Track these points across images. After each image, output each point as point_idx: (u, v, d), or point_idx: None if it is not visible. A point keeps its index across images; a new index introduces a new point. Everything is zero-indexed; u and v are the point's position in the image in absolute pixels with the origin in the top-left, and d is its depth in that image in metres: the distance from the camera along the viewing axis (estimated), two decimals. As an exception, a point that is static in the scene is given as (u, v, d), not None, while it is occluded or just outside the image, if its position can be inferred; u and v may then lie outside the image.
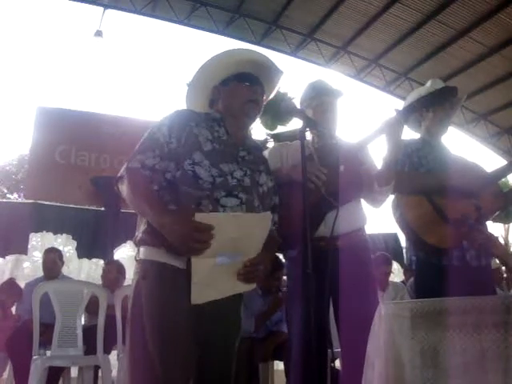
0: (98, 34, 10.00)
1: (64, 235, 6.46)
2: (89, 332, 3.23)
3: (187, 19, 10.07)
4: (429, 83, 2.33)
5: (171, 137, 1.53)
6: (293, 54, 10.97)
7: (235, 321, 1.62)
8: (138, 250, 1.56)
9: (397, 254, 6.50)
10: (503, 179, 2.68)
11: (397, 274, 6.26)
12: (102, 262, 5.93)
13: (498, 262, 3.05)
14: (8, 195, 16.42)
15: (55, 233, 6.27)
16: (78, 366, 3.41)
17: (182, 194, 1.47)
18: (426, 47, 9.78)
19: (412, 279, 3.60)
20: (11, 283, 4.28)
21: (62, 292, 3.23)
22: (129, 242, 5.87)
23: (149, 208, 1.46)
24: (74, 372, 3.67)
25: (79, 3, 9.59)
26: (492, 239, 2.18)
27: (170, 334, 1.42)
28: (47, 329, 3.18)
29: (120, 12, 10.02)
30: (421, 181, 2.20)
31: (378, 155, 2.13)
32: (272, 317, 3.47)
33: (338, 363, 2.70)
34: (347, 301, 1.94)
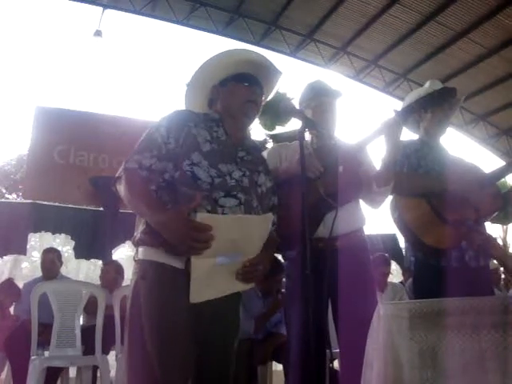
0: (98, 33, 9.99)
1: (63, 235, 6.47)
2: (87, 332, 3.23)
3: (186, 19, 10.06)
4: (427, 84, 2.33)
5: (169, 137, 1.53)
6: (292, 54, 10.96)
7: (234, 320, 1.62)
8: (137, 251, 1.56)
9: (395, 255, 6.51)
10: (502, 180, 2.68)
11: (395, 274, 6.26)
12: (100, 262, 5.92)
13: (496, 262, 3.05)
14: (7, 195, 16.40)
15: (54, 233, 6.27)
16: (77, 366, 3.41)
17: (181, 194, 1.47)
18: (426, 48, 9.78)
19: (411, 280, 3.60)
20: (9, 283, 4.27)
21: (61, 292, 3.22)
22: (127, 242, 5.87)
23: (146, 208, 1.46)
24: (72, 372, 3.67)
25: (78, 3, 9.58)
26: (491, 240, 2.18)
27: (169, 334, 1.42)
28: (46, 329, 3.17)
29: (119, 12, 10.01)
30: (420, 182, 2.20)
31: (376, 156, 2.13)
32: (271, 318, 3.47)
33: (336, 364, 2.69)
34: (346, 301, 1.94)
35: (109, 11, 9.80)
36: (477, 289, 1.92)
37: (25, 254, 6.13)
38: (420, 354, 1.26)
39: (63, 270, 4.51)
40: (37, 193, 6.33)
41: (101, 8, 9.67)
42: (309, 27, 10.13)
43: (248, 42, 10.27)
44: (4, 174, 16.87)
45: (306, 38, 10.50)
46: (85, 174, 6.20)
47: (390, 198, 2.20)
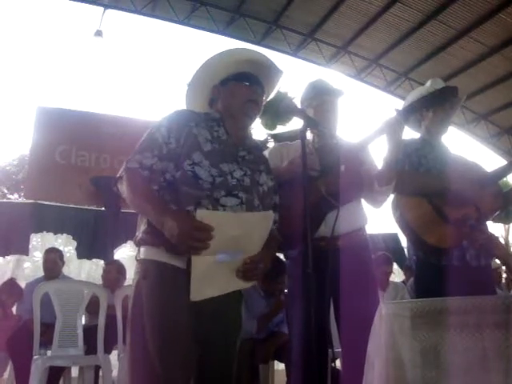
0: (98, 33, 10.00)
1: (64, 235, 6.46)
2: (89, 332, 3.23)
3: (187, 19, 10.06)
4: (429, 83, 2.33)
5: (170, 137, 1.54)
6: (293, 53, 10.95)
7: (235, 319, 1.61)
8: (139, 250, 1.56)
9: (397, 254, 6.49)
10: (503, 179, 2.67)
11: (397, 274, 6.25)
12: (102, 262, 5.92)
13: (498, 262, 3.04)
14: (8, 195, 16.40)
15: (55, 233, 6.27)
16: (79, 365, 3.42)
17: (182, 194, 1.48)
18: (427, 47, 9.77)
19: (412, 279, 3.60)
20: (12, 283, 4.29)
21: (63, 292, 3.23)
22: (129, 241, 5.86)
23: (149, 207, 1.46)
24: (74, 372, 3.68)
25: (79, 3, 9.58)
26: (493, 239, 2.18)
27: (171, 334, 1.42)
28: (48, 329, 3.18)
29: (120, 12, 10.02)
30: (421, 180, 2.19)
31: (378, 155, 2.13)
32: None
33: (338, 363, 2.69)
34: (348, 301, 1.93)
35: (109, 11, 9.81)
36: (478, 288, 1.92)
37: (27, 254, 6.12)
38: (422, 354, 1.26)
39: (65, 270, 4.52)
40: (38, 193, 6.33)
41: (101, 8, 9.68)
42: (310, 26, 10.12)
43: (249, 41, 10.27)
44: (6, 174, 16.87)
45: (306, 38, 10.50)
46: (86, 174, 6.20)
47: (391, 197, 2.20)
